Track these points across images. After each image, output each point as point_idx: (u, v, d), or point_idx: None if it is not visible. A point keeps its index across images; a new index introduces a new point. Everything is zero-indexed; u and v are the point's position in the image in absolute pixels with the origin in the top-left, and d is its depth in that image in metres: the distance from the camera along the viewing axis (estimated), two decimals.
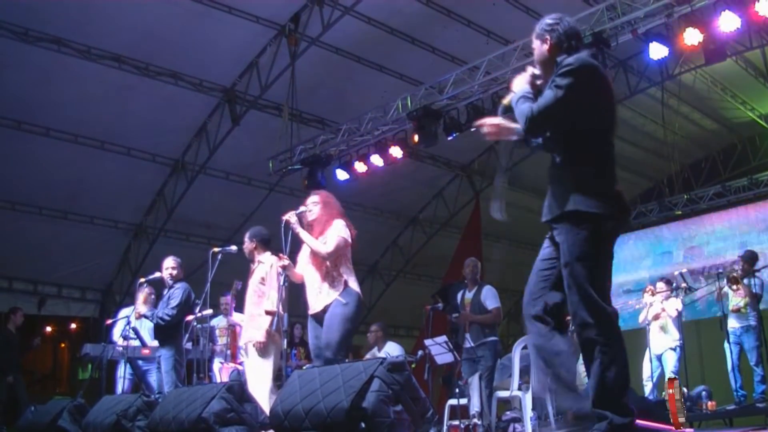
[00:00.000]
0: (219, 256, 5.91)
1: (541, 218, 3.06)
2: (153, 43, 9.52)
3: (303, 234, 4.96)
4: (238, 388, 4.70)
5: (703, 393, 8.09)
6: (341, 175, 10.58)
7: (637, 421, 2.80)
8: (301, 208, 5.08)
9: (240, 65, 10.39)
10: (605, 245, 2.89)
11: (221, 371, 7.51)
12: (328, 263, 4.92)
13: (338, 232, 4.94)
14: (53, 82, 9.54)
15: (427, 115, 9.40)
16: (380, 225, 13.72)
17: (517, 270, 11.72)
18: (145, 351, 7.32)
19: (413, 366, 7.44)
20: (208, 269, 5.86)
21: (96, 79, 9.63)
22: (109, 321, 7.85)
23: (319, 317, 4.89)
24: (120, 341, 7.20)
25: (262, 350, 5.27)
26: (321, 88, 10.86)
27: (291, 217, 4.96)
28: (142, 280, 6.94)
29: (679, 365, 8.24)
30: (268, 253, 5.56)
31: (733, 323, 8.05)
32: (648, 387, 8.55)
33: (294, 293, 5.55)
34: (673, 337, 8.35)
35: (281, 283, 5.03)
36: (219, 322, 8.01)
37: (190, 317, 6.46)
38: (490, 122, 3.14)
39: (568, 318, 3.01)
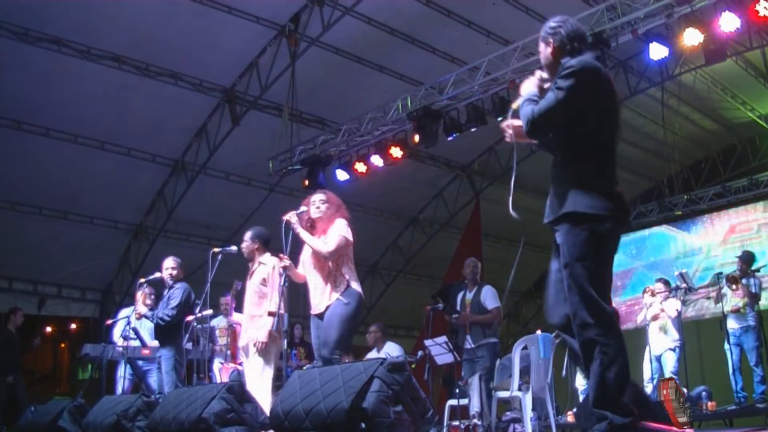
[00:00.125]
0: (219, 257, 5.90)
1: (544, 219, 3.07)
2: (153, 44, 9.52)
3: (303, 234, 4.95)
4: (238, 389, 4.69)
5: (703, 393, 8.08)
6: (341, 175, 10.57)
7: (646, 424, 2.81)
8: (302, 208, 5.06)
9: (240, 65, 10.39)
10: (605, 245, 2.90)
11: (221, 371, 7.50)
12: (330, 263, 4.92)
13: (340, 231, 4.93)
14: (53, 82, 9.54)
15: (427, 115, 9.41)
16: (380, 225, 13.72)
17: (517, 270, 11.73)
18: (145, 351, 7.32)
19: (413, 366, 7.43)
20: (208, 269, 5.86)
21: (96, 80, 9.63)
22: (109, 321, 7.84)
23: (321, 317, 4.89)
24: (120, 341, 7.19)
25: (264, 350, 5.27)
26: (321, 89, 10.85)
27: (291, 217, 4.95)
28: (142, 280, 6.94)
29: (678, 366, 8.23)
30: (268, 254, 5.56)
31: (732, 324, 8.05)
32: (649, 389, 8.54)
33: (294, 293, 5.56)
34: (673, 337, 8.35)
35: (281, 283, 5.02)
36: (219, 322, 8.00)
37: (190, 317, 6.45)
38: (506, 124, 3.16)
39: None
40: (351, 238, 4.97)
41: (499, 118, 9.41)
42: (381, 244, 14.24)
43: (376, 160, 10.17)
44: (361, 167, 10.35)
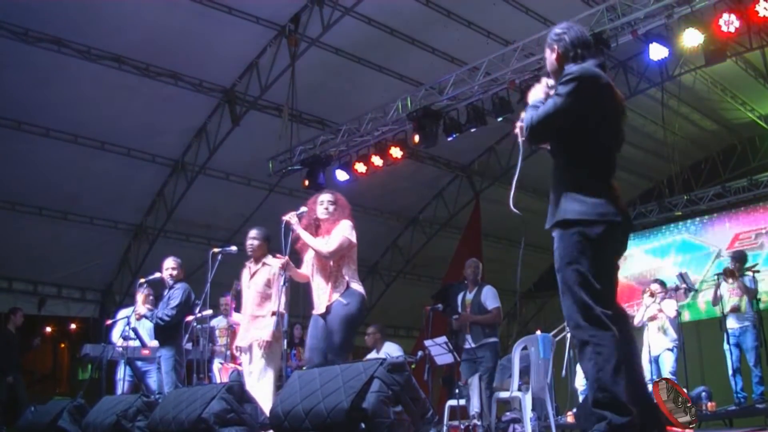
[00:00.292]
0: (219, 257, 5.89)
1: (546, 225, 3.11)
2: (153, 44, 9.52)
3: (303, 234, 4.93)
4: (238, 389, 4.69)
5: (703, 394, 8.07)
6: (341, 175, 10.58)
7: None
8: (302, 209, 5.05)
9: (240, 66, 10.40)
10: (598, 249, 2.91)
11: (221, 372, 7.51)
12: (331, 264, 4.92)
13: (343, 232, 4.91)
14: (53, 82, 9.54)
15: (427, 115, 9.41)
16: (380, 225, 13.73)
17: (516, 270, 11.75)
18: (145, 351, 7.31)
19: (413, 366, 7.44)
20: (207, 270, 5.85)
21: (96, 80, 9.64)
22: (109, 321, 7.84)
23: (322, 317, 4.89)
24: (119, 342, 7.19)
25: (268, 350, 5.25)
26: (321, 89, 10.86)
27: (291, 217, 4.94)
28: (142, 280, 6.93)
29: (676, 366, 8.23)
30: (270, 256, 5.56)
31: (731, 323, 8.05)
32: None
33: (293, 294, 5.55)
34: (671, 337, 8.35)
35: (281, 283, 5.02)
36: (219, 322, 8.00)
37: (190, 318, 6.45)
38: (519, 125, 3.19)
39: None
40: (354, 241, 4.95)
41: (499, 118, 9.45)
42: (381, 244, 14.25)
43: (376, 161, 10.18)
44: (361, 167, 10.35)
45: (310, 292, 5.07)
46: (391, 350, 7.96)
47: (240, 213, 12.00)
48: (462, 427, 6.79)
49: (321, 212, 5.01)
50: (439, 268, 13.69)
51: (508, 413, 7.08)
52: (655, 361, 8.40)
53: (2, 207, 10.52)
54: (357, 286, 4.92)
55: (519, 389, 6.01)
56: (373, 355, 8.12)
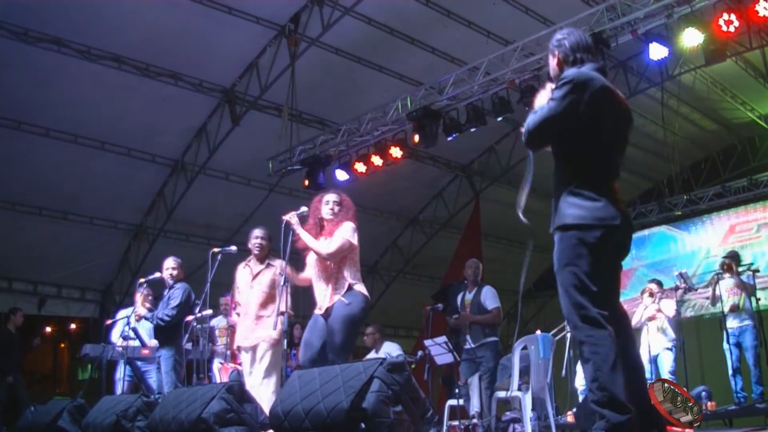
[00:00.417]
0: (219, 257, 5.89)
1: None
2: (153, 44, 9.52)
3: (303, 234, 4.91)
4: (237, 389, 4.69)
5: (703, 393, 8.07)
6: (341, 175, 10.58)
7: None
8: (302, 209, 5.03)
9: (240, 66, 10.40)
10: (595, 252, 2.92)
11: (221, 371, 7.51)
12: (332, 265, 4.90)
13: (345, 234, 4.90)
14: (53, 82, 9.54)
15: (427, 115, 9.41)
16: (380, 225, 13.72)
17: (517, 270, 11.72)
18: (145, 351, 7.31)
19: (413, 366, 7.44)
20: (207, 269, 5.85)
21: (96, 80, 9.64)
22: (109, 321, 7.84)
23: (323, 316, 4.88)
24: (119, 342, 7.19)
25: (275, 349, 5.24)
26: (321, 89, 10.86)
27: (291, 217, 4.92)
28: (142, 280, 6.94)
29: (675, 365, 8.23)
30: (272, 257, 5.55)
31: (731, 323, 8.05)
32: None
33: (293, 294, 5.54)
34: (670, 337, 8.35)
35: (281, 283, 5.01)
36: (219, 322, 8.00)
37: (190, 317, 6.45)
38: None
39: None
40: (356, 243, 4.93)
41: (499, 118, 9.45)
42: (381, 244, 14.25)
43: (376, 161, 10.18)
44: (360, 167, 10.35)
45: (311, 293, 5.06)
46: (390, 350, 7.96)
47: (240, 213, 12.00)
48: (462, 426, 6.79)
49: (326, 212, 5.00)
50: (439, 268, 13.69)
51: (508, 413, 7.08)
52: (654, 360, 8.40)
53: (2, 207, 10.52)
54: (359, 287, 4.91)
55: (519, 389, 6.01)
56: (372, 355, 8.12)
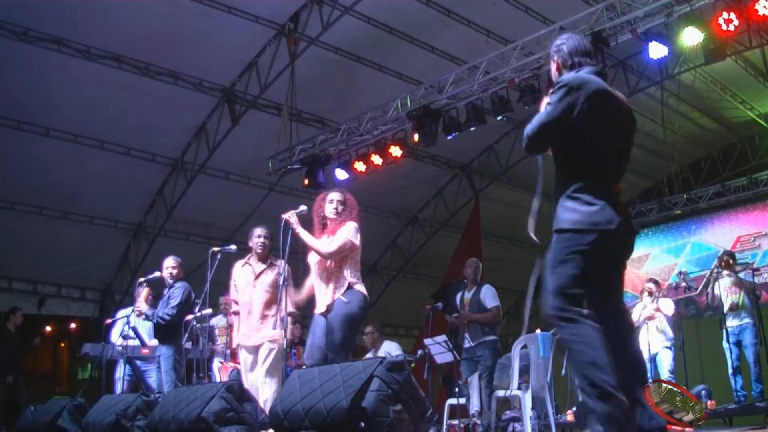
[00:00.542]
0: (218, 256, 5.89)
1: None
2: (153, 43, 9.52)
3: (303, 234, 4.91)
4: (237, 388, 4.70)
5: (703, 392, 8.07)
6: (341, 174, 10.57)
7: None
8: (301, 208, 5.02)
9: (239, 65, 10.40)
10: (589, 256, 2.93)
11: (221, 371, 7.51)
12: (332, 264, 4.90)
13: (347, 234, 4.89)
14: (53, 82, 9.54)
15: (427, 114, 9.41)
16: (380, 225, 13.72)
17: (517, 270, 11.73)
18: (145, 351, 7.31)
19: (412, 365, 7.44)
20: (207, 269, 5.85)
21: (96, 79, 9.63)
22: (109, 321, 7.84)
23: (323, 315, 4.89)
24: (119, 341, 7.19)
25: (279, 350, 5.25)
26: (320, 88, 10.85)
27: (291, 216, 4.92)
28: (142, 279, 6.93)
29: (675, 364, 8.23)
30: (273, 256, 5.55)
31: (731, 321, 8.05)
32: None
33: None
34: (669, 336, 8.36)
35: (281, 283, 5.01)
36: (218, 321, 8.01)
37: (190, 317, 6.45)
38: None
39: None
40: (358, 243, 4.93)
41: (499, 117, 9.45)
42: (381, 243, 14.24)
43: (376, 160, 10.18)
44: (360, 166, 10.34)
45: (312, 293, 5.07)
46: (390, 349, 7.96)
47: (240, 212, 12.00)
48: (462, 425, 6.80)
49: (329, 211, 5.00)
50: (439, 268, 13.68)
51: (507, 412, 7.09)
52: (653, 360, 8.41)
53: (2, 207, 10.52)
54: (359, 287, 4.91)
55: (519, 388, 6.01)
56: (371, 354, 8.13)
